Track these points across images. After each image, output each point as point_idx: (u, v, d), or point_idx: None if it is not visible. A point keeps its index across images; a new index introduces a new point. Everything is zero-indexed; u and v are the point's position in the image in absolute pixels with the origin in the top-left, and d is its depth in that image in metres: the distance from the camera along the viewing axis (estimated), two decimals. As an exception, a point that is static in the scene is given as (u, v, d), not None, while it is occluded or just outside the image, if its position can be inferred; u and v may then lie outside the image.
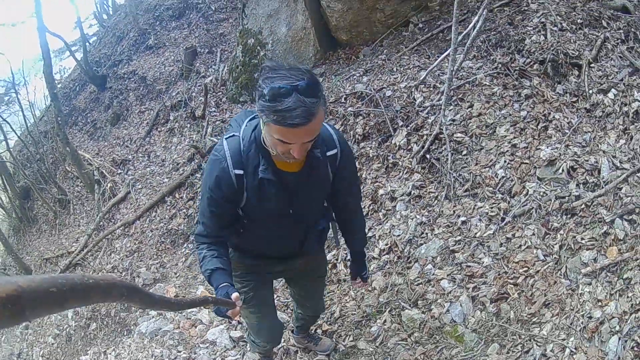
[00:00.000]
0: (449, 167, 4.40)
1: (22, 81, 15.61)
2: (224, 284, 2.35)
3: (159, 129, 10.51)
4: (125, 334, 6.63)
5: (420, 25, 6.57)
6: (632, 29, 5.52)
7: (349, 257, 3.46)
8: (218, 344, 4.74)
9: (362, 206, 4.65)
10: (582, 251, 3.35)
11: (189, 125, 9.46)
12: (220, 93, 9.08)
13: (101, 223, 9.60)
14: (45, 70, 10.58)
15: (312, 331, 4.25)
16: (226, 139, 2.43)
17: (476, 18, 4.72)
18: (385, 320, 3.81)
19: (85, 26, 18.64)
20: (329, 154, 2.48)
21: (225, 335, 4.73)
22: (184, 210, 7.84)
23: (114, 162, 10.63)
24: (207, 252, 2.48)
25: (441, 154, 4.60)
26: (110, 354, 5.29)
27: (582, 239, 3.43)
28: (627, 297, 2.99)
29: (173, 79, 11.35)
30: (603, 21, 5.76)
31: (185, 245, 7.54)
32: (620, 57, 5.18)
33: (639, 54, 5.24)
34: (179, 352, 4.53)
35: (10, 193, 15.33)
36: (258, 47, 7.83)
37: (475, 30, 4.65)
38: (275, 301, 3.65)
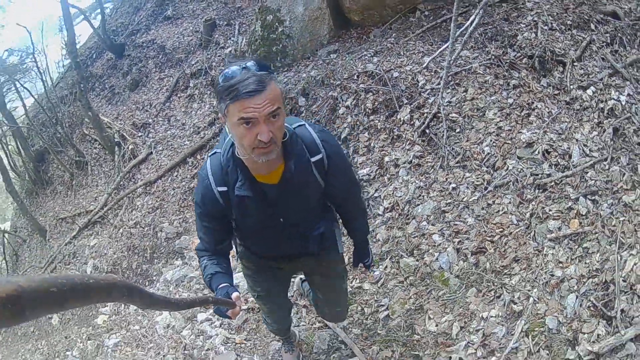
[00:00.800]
0: (444, 141, 5.09)
1: (36, 48, 16.09)
2: (224, 284, 2.41)
3: (178, 95, 10.97)
4: (147, 284, 7.06)
5: (427, 12, 7.10)
6: (619, 34, 6.07)
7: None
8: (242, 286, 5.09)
9: (370, 172, 5.43)
10: (549, 220, 4.07)
11: (208, 92, 10.00)
12: None
13: (121, 183, 10.15)
14: (68, 39, 11.18)
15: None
16: (209, 156, 2.51)
17: (473, 17, 5.44)
18: (386, 266, 4.56)
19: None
20: (313, 159, 2.48)
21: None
22: None
23: (134, 126, 11.12)
24: (207, 262, 2.55)
25: (438, 130, 5.28)
26: (130, 307, 5.75)
27: (550, 210, 4.14)
28: (585, 263, 3.71)
29: (192, 49, 11.76)
30: (592, 24, 6.27)
31: None
32: (603, 59, 5.75)
33: (622, 58, 5.80)
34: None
35: (25, 156, 15.63)
36: (276, 23, 8.32)
37: (473, 26, 5.37)
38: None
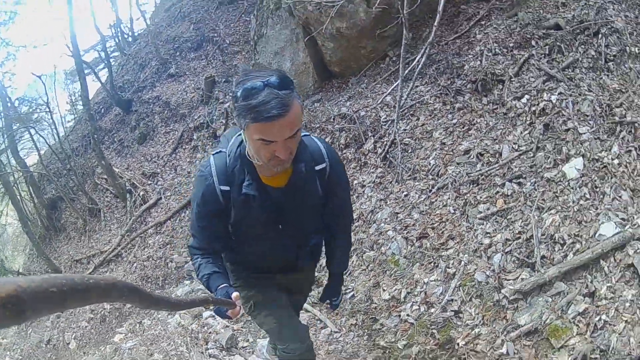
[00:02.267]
0: (399, 161, 6.26)
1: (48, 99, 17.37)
2: (223, 284, 2.40)
3: (183, 147, 12.25)
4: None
5: (394, 58, 8.22)
6: (558, 43, 6.78)
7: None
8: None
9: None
10: (480, 205, 5.14)
11: (210, 143, 11.19)
12: None
13: (134, 225, 11.27)
14: (82, 93, 12.68)
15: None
16: (213, 154, 2.49)
17: (419, 56, 6.64)
18: (353, 261, 5.67)
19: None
20: (317, 168, 2.52)
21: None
22: None
23: (144, 175, 12.36)
24: (201, 260, 2.55)
25: (395, 153, 6.45)
26: (145, 322, 6.46)
27: (480, 197, 5.22)
28: (509, 230, 4.72)
29: (195, 104, 13.06)
30: (532, 41, 7.05)
31: None
32: (539, 69, 6.53)
33: (557, 63, 6.52)
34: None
35: (38, 203, 16.71)
36: None
37: (420, 64, 6.57)
38: None
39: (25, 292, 0.71)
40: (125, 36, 21.94)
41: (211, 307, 2.56)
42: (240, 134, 2.39)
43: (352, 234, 3.59)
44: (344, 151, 7.23)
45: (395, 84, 6.86)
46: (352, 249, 5.41)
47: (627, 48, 6.44)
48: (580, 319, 4.03)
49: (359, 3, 7.91)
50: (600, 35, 6.67)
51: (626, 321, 3.84)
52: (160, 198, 11.28)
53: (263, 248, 2.75)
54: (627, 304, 3.92)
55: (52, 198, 16.61)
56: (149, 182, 12.10)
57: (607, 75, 6.22)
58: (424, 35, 8.11)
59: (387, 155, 6.60)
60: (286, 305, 3.15)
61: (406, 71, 6.65)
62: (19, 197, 16.65)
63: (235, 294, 2.30)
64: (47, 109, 16.73)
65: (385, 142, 6.78)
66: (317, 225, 2.87)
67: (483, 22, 7.92)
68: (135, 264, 10.03)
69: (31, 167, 17.95)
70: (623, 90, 5.87)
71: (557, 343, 3.95)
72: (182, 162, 11.88)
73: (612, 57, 6.44)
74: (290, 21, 9.29)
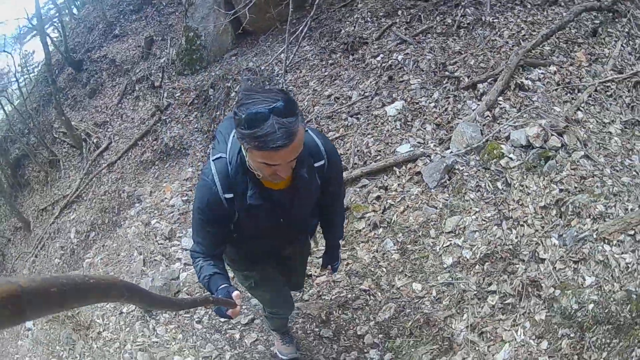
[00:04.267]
0: None
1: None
2: (224, 284, 2.44)
3: (127, 97, 13.85)
4: (118, 228, 9.16)
5: (295, 21, 9.36)
6: (419, 13, 8.27)
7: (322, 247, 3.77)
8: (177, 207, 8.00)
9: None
10: (329, 133, 7.13)
11: (150, 93, 12.88)
12: (171, 69, 12.59)
13: (90, 168, 12.89)
14: (46, 61, 14.64)
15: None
16: (213, 160, 2.48)
17: (303, 25, 8.56)
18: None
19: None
20: (316, 165, 2.58)
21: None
22: (151, 148, 11.22)
23: (96, 124, 13.95)
24: (203, 263, 2.58)
25: None
26: (109, 244, 7.96)
27: (330, 127, 7.14)
28: (342, 147, 6.52)
29: (136, 60, 14.69)
30: (399, 11, 8.55)
31: (151, 169, 10.72)
32: (395, 35, 7.99)
33: (413, 30, 7.98)
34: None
35: (3, 164, 17.93)
36: (195, 38, 11.61)
37: (304, 32, 8.58)
38: None
39: (26, 291, 0.73)
40: (75, 1, 23.17)
41: (212, 307, 2.59)
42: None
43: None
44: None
45: (284, 47, 8.69)
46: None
47: (483, 17, 7.70)
48: (375, 202, 5.79)
49: None
50: (460, 7, 7.98)
51: (407, 206, 5.55)
52: (111, 142, 12.91)
53: (265, 241, 2.91)
54: (413, 196, 5.61)
55: (17, 157, 17.72)
56: (101, 130, 13.69)
57: (455, 40, 7.62)
58: (320, 2, 9.58)
59: (278, 101, 8.62)
60: (279, 282, 3.58)
61: (294, 35, 8.62)
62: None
63: (235, 293, 2.34)
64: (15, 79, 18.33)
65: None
66: (315, 212, 3.06)
67: None
68: (94, 200, 11.65)
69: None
70: (462, 52, 7.27)
71: (358, 215, 5.73)
72: (127, 111, 13.50)
73: (465, 25, 7.75)
74: None
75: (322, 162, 2.62)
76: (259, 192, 2.44)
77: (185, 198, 8.20)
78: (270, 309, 3.90)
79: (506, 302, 4.31)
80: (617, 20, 7.34)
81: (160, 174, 10.36)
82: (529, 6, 7.80)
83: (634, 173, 4.90)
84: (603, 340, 3.65)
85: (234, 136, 2.41)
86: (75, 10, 22.98)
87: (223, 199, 2.44)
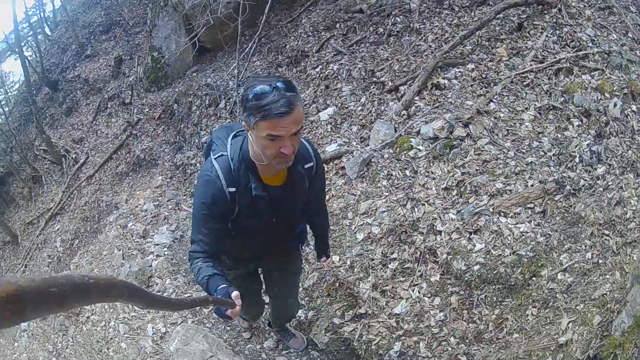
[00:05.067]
0: (238, 113, 9.17)
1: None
2: (223, 285, 2.49)
3: (101, 114, 14.63)
4: (98, 235, 10.03)
5: (248, 37, 10.49)
6: (355, 25, 8.92)
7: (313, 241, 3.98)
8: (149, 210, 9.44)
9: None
10: None
11: (121, 109, 13.73)
12: (139, 86, 13.37)
13: (70, 182, 13.75)
14: (27, 85, 16.09)
15: (286, 327, 4.93)
16: (215, 158, 2.64)
17: (251, 43, 9.56)
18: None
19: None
20: (306, 166, 2.81)
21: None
22: (124, 160, 12.09)
23: (73, 141, 14.79)
24: (202, 264, 2.63)
25: (236, 109, 9.26)
26: (92, 249, 8.87)
27: None
28: None
29: (107, 79, 15.48)
30: (338, 24, 9.21)
31: (126, 180, 11.65)
32: (333, 47, 8.80)
33: (349, 41, 8.75)
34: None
35: None
36: (160, 57, 12.53)
37: (253, 48, 9.58)
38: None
39: (26, 292, 0.73)
40: (48, 23, 23.76)
41: (211, 307, 2.47)
42: (236, 135, 2.73)
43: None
44: (208, 109, 10.10)
45: (235, 63, 9.67)
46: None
47: (412, 24, 8.24)
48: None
49: (220, 2, 10.42)
50: (391, 16, 8.56)
51: (332, 195, 6.33)
52: (88, 157, 13.75)
53: (257, 239, 3.01)
54: (337, 187, 6.43)
55: (0, 175, 18.32)
56: (78, 146, 14.51)
57: (384, 48, 8.22)
58: (270, 19, 10.74)
59: (233, 110, 9.44)
60: (255, 289, 3.86)
61: (245, 52, 9.64)
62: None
63: (235, 294, 2.38)
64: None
65: (231, 102, 9.57)
66: (302, 214, 3.20)
67: (311, 8, 10.41)
68: (76, 211, 12.50)
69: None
70: (389, 58, 7.89)
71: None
72: (102, 127, 14.26)
73: (395, 33, 8.32)
74: (174, 15, 12.08)
75: (311, 164, 2.84)
76: (261, 185, 2.62)
77: (157, 203, 9.12)
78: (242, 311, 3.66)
79: (405, 266, 5.25)
80: (545, 12, 7.51)
81: (134, 183, 11.25)
82: (456, 9, 8.28)
83: (542, 153, 5.47)
84: (494, 298, 4.45)
85: (232, 137, 2.72)
86: (47, 30, 23.55)
87: (227, 192, 2.59)
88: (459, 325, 4.42)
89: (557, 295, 4.07)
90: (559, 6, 7.37)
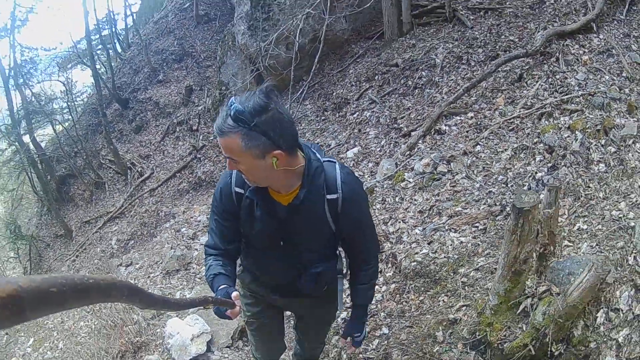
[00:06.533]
0: None
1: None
2: (224, 285, 2.50)
3: (169, 136, 16.65)
4: (152, 238, 11.88)
5: (303, 82, 12.17)
6: (390, 77, 10.07)
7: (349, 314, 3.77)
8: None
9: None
10: None
11: (188, 134, 15.74)
12: (207, 116, 15.48)
13: (133, 192, 15.83)
14: (98, 98, 18.09)
15: None
16: None
17: (302, 88, 11.84)
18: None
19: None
20: (328, 197, 2.56)
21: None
22: (187, 179, 14.12)
23: (140, 156, 16.96)
24: (212, 262, 2.67)
25: None
26: (145, 247, 10.76)
27: None
28: None
29: (177, 105, 17.45)
30: (376, 76, 10.36)
31: (186, 196, 13.55)
32: (369, 96, 10.07)
33: (383, 91, 9.91)
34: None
35: (50, 179, 20.07)
36: (226, 91, 14.53)
37: (304, 93, 11.89)
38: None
39: (26, 292, 0.74)
40: (120, 39, 26.16)
41: (211, 307, 2.58)
42: None
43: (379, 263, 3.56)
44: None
45: (287, 105, 11.49)
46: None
47: (433, 78, 9.19)
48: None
49: (281, 48, 11.81)
50: (419, 70, 9.52)
51: None
52: (153, 172, 15.69)
53: (265, 261, 2.90)
54: None
55: (62, 175, 20.30)
56: (144, 162, 16.47)
57: (409, 99, 9.30)
58: (324, 66, 12.65)
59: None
60: (274, 331, 3.56)
61: (296, 95, 11.83)
62: (32, 174, 20.42)
63: (235, 294, 2.39)
64: (67, 110, 21.36)
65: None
66: (323, 252, 2.90)
67: (359, 60, 11.63)
68: (135, 217, 14.38)
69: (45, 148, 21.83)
70: (410, 108, 9.01)
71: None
72: (168, 147, 16.14)
73: (420, 85, 9.26)
74: (241, 55, 13.90)
75: (335, 196, 2.56)
76: (262, 193, 2.54)
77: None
78: (254, 351, 3.74)
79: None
80: (545, 62, 7.94)
81: (193, 200, 13.12)
82: (472, 64, 9.06)
83: (503, 185, 6.19)
84: (422, 288, 5.38)
85: None
86: (118, 47, 25.81)
87: (233, 191, 2.58)
88: (389, 304, 5.47)
89: (465, 287, 5.01)
90: (557, 55, 7.91)
